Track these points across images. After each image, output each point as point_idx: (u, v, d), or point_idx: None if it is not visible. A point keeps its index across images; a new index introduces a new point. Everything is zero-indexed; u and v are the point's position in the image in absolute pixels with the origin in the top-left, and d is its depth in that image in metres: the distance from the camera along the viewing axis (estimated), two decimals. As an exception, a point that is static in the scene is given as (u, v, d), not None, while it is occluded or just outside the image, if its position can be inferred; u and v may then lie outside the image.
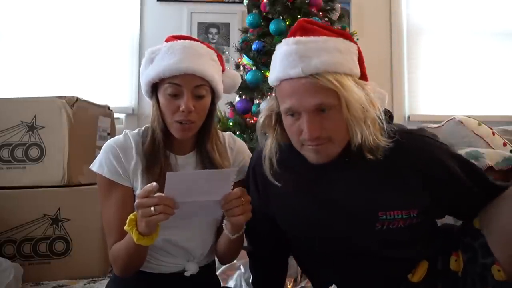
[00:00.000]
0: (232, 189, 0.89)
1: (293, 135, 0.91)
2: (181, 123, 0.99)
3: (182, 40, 1.02)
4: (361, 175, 0.92)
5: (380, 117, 0.87)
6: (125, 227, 0.88)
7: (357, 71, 0.89)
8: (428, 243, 0.99)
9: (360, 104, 0.84)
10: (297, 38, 0.88)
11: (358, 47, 0.92)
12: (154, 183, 0.84)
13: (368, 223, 0.92)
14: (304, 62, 0.84)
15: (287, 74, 0.85)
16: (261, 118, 0.97)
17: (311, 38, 0.87)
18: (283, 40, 0.91)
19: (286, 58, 0.86)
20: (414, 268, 0.98)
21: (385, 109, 0.92)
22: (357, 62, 0.90)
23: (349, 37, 0.91)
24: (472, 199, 0.94)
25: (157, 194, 0.84)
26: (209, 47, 1.06)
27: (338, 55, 0.86)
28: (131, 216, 0.88)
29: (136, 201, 0.85)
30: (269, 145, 0.96)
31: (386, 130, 0.89)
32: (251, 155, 1.18)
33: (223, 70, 1.10)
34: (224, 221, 1.00)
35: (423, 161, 0.90)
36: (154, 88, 1.03)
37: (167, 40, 1.05)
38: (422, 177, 0.90)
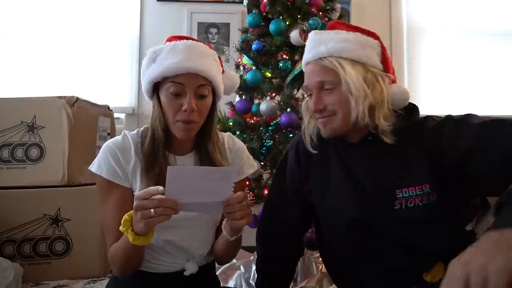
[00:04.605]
0: (233, 189, 0.89)
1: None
2: (183, 122, 0.99)
3: (185, 40, 1.02)
4: (379, 156, 1.01)
5: (387, 102, 0.96)
6: (120, 228, 0.88)
7: (373, 62, 0.98)
8: (451, 240, 0.96)
9: (359, 85, 0.95)
10: (318, 31, 1.05)
11: (383, 46, 1.02)
12: (161, 187, 0.83)
13: (387, 202, 0.97)
14: (316, 48, 1.00)
15: (305, 59, 1.04)
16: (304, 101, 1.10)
17: (329, 31, 1.02)
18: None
19: (306, 47, 1.04)
20: (431, 267, 0.98)
21: (410, 102, 1.02)
22: (375, 55, 1.00)
23: (372, 34, 1.02)
24: (490, 166, 0.85)
25: (157, 196, 0.83)
26: (210, 48, 1.06)
27: (345, 44, 0.98)
28: (126, 216, 0.88)
29: (135, 203, 0.84)
30: (306, 123, 1.09)
31: (397, 117, 0.99)
32: (250, 156, 1.18)
33: (222, 72, 1.10)
34: (224, 223, 1.00)
35: (425, 137, 0.97)
36: (156, 87, 1.03)
37: (168, 40, 1.04)
38: (425, 152, 0.96)
